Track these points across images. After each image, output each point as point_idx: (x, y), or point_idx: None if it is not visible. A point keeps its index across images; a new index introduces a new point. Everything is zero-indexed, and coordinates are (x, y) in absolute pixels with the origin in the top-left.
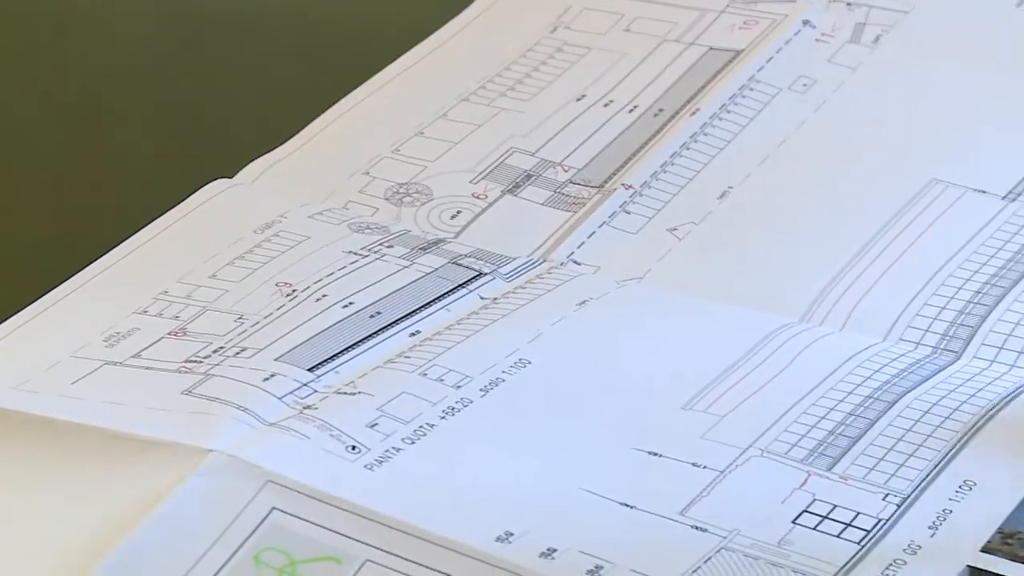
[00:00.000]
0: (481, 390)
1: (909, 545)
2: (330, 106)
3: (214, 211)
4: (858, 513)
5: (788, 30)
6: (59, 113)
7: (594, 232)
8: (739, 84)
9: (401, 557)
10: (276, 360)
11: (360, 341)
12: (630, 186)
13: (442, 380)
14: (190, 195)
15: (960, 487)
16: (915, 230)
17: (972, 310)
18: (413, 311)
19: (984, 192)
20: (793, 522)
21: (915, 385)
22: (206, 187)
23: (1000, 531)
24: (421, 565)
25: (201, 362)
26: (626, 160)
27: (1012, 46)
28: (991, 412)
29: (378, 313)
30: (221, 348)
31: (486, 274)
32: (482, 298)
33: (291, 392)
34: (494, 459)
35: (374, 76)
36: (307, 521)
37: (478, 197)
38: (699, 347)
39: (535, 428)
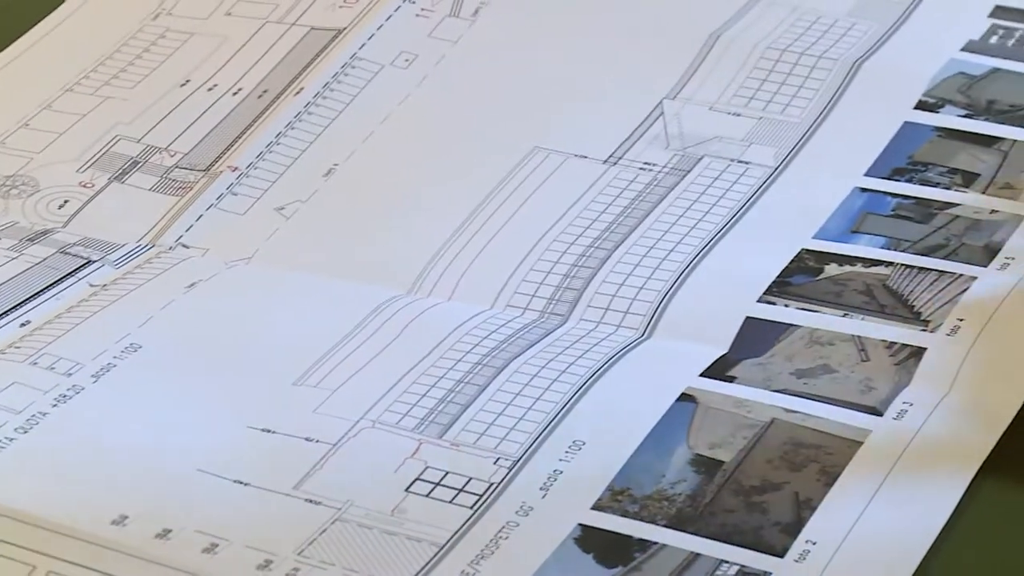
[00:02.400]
0: (93, 376)
1: (521, 507)
2: None
3: None
4: (470, 478)
5: (388, 6)
6: None
7: (202, 215)
8: (341, 62)
9: (17, 545)
10: None
11: None
12: (236, 168)
13: (53, 368)
14: None
15: (570, 447)
16: (519, 197)
17: (577, 273)
18: (22, 301)
19: (585, 157)
20: (406, 490)
21: (523, 350)
22: None
23: (610, 488)
24: (37, 552)
25: None
26: (232, 142)
27: (607, 14)
28: (598, 373)
29: None
30: None
31: (95, 262)
32: (91, 285)
33: None
34: (108, 444)
35: None
36: None
37: (85, 186)
38: (309, 323)
39: (148, 411)
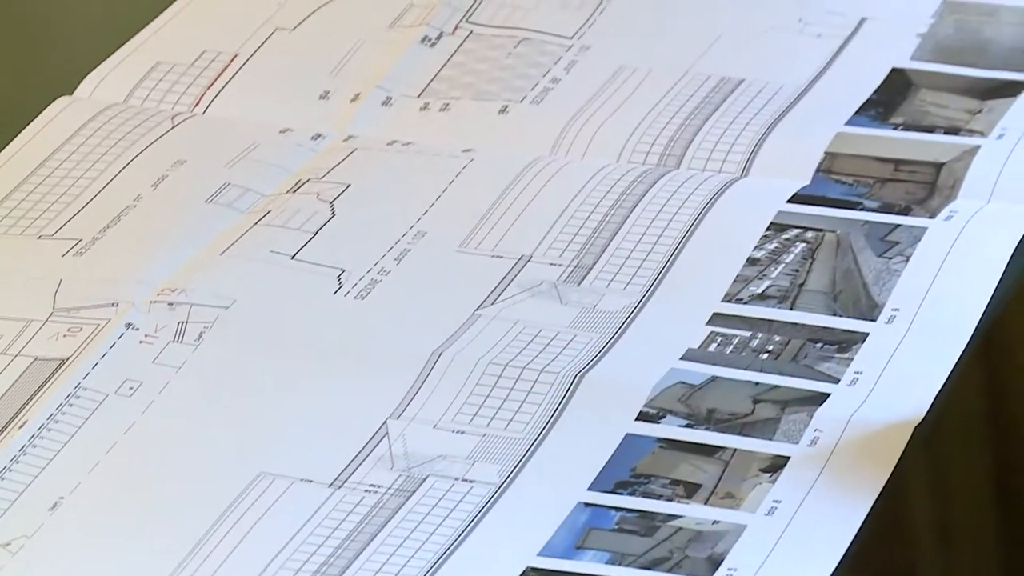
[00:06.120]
0: None
1: None
2: None
3: None
4: None
5: (111, 334)
6: None
7: None
8: (66, 393)
9: None
10: None
11: None
12: None
13: None
14: None
15: None
16: (244, 525)
17: None
18: None
19: (311, 481)
20: None
21: None
22: None
23: None
24: None
25: None
26: None
27: (331, 334)
28: None
29: None
30: None
31: None
32: None
33: None
34: None
35: None
36: None
37: None
38: None
39: None
